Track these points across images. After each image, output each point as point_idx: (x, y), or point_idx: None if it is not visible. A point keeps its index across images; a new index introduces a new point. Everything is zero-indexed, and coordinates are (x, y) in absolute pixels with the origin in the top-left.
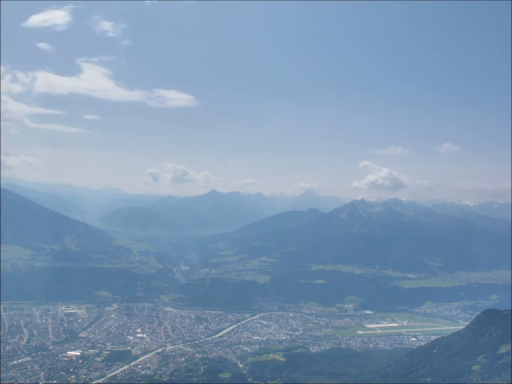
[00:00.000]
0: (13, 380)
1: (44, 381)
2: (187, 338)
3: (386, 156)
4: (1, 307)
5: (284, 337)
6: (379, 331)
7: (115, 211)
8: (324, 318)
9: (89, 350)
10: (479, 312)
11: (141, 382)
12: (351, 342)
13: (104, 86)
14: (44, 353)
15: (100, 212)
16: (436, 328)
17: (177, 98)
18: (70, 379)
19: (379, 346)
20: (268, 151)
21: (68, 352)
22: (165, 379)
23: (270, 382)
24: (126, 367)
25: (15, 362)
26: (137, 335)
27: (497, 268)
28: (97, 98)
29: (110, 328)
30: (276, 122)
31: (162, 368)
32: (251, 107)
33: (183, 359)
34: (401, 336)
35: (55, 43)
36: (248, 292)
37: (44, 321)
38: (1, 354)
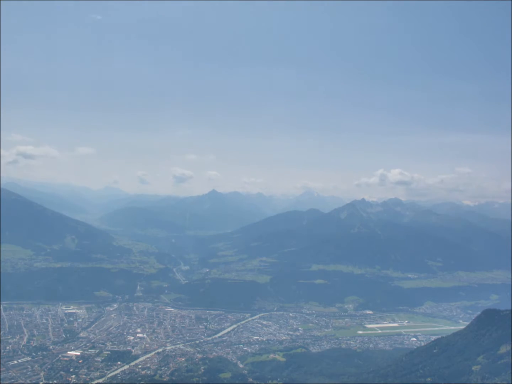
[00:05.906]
0: (13, 380)
1: (44, 381)
2: (187, 338)
3: None
4: (1, 307)
5: (284, 337)
6: (379, 331)
7: (115, 211)
8: (324, 318)
9: (89, 350)
10: (479, 312)
11: (141, 382)
12: (351, 342)
13: None
14: (44, 353)
15: (100, 212)
16: (436, 328)
17: None
18: (70, 379)
19: (379, 346)
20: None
21: (68, 352)
22: (165, 379)
23: (270, 382)
24: (126, 367)
25: (15, 362)
26: (137, 335)
27: (497, 268)
28: None
29: (110, 328)
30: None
31: (162, 368)
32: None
33: (183, 359)
34: (401, 336)
35: None
36: (248, 292)
37: (44, 321)
38: (1, 354)
